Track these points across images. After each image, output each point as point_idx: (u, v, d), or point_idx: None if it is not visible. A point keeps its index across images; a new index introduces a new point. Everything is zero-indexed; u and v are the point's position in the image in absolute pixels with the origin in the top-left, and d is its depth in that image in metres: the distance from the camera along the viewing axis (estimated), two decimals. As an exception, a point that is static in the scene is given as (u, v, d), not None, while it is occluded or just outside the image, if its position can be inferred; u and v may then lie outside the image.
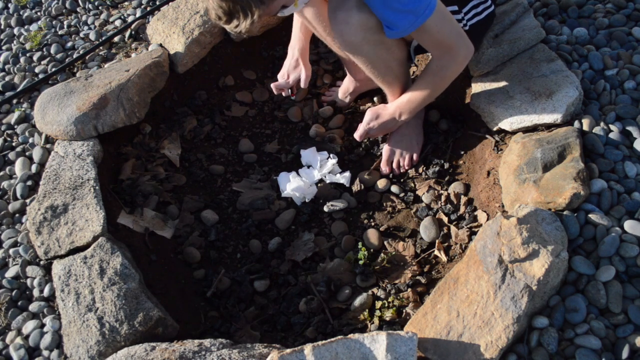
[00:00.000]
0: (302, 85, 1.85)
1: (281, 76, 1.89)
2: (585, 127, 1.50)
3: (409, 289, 1.51)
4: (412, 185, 1.78)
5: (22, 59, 2.23)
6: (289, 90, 1.90)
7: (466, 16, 1.58)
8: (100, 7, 2.44)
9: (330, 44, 1.80)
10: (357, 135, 1.76)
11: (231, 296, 1.62)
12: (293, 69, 1.86)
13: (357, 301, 1.53)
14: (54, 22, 2.41)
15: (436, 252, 1.59)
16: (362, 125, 1.73)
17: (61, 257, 1.53)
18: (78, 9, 2.46)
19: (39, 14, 2.50)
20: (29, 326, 1.48)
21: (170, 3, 2.22)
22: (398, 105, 1.68)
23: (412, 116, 1.71)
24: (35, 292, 1.54)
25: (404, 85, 1.70)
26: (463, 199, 1.66)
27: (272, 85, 1.87)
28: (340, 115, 2.02)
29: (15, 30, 2.43)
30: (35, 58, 2.22)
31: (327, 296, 1.58)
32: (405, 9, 1.37)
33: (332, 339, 1.19)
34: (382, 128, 1.74)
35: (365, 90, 2.01)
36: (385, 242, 1.66)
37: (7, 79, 2.16)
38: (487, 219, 1.55)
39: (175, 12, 2.13)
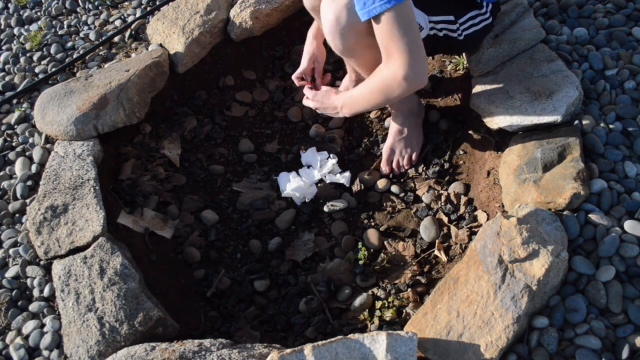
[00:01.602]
0: (317, 74, 1.83)
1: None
2: (585, 127, 1.49)
3: (409, 289, 1.51)
4: (412, 185, 1.78)
5: (22, 59, 2.23)
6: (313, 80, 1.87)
7: (462, 26, 1.58)
8: (100, 7, 2.44)
9: None
10: (305, 102, 1.75)
11: (231, 296, 1.62)
12: (306, 54, 1.83)
13: (357, 301, 1.53)
14: (54, 22, 2.41)
15: (436, 252, 1.59)
16: (314, 94, 1.71)
17: (61, 257, 1.53)
18: (78, 9, 2.46)
19: (39, 14, 2.50)
20: (29, 326, 1.48)
21: (170, 3, 2.22)
22: (345, 97, 1.62)
23: (352, 114, 1.65)
24: (35, 292, 1.54)
25: None
26: (463, 199, 1.66)
27: (293, 78, 1.85)
28: (340, 115, 2.02)
29: (15, 30, 2.43)
30: (35, 58, 2.22)
31: (327, 296, 1.58)
32: None
33: (332, 339, 1.19)
34: (323, 110, 1.70)
35: None
36: (385, 242, 1.66)
37: (7, 79, 2.16)
38: (487, 219, 1.55)
39: (175, 12, 2.13)
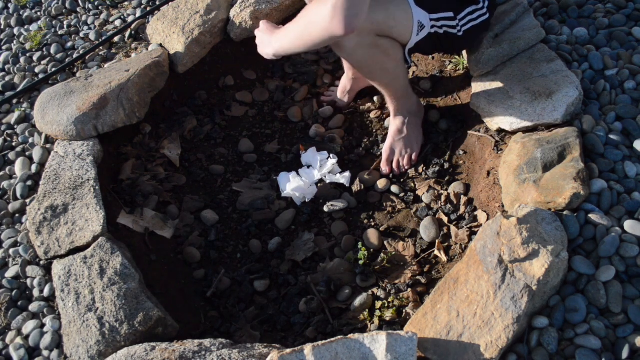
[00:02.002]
0: None
1: None
2: (585, 127, 1.50)
3: (409, 289, 1.51)
4: (412, 185, 1.78)
5: (22, 59, 2.23)
6: None
7: (461, 22, 1.58)
8: (100, 7, 2.44)
9: None
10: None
11: (231, 296, 1.62)
12: None
13: (357, 301, 1.53)
14: (54, 22, 2.41)
15: (436, 252, 1.59)
16: (265, 22, 1.62)
17: (61, 257, 1.53)
18: (78, 9, 2.46)
19: (39, 14, 2.50)
20: (29, 326, 1.48)
21: (170, 3, 2.22)
22: (277, 34, 1.52)
23: (277, 53, 1.53)
24: (35, 292, 1.54)
25: (402, 86, 1.70)
26: (463, 199, 1.66)
27: None
28: (340, 115, 2.02)
29: (15, 30, 2.43)
30: (35, 58, 2.22)
31: (327, 296, 1.58)
32: None
33: (332, 339, 1.19)
34: (260, 41, 1.61)
35: (363, 87, 2.01)
36: (385, 242, 1.66)
37: (7, 79, 2.16)
38: (487, 219, 1.55)
39: (175, 12, 2.13)
